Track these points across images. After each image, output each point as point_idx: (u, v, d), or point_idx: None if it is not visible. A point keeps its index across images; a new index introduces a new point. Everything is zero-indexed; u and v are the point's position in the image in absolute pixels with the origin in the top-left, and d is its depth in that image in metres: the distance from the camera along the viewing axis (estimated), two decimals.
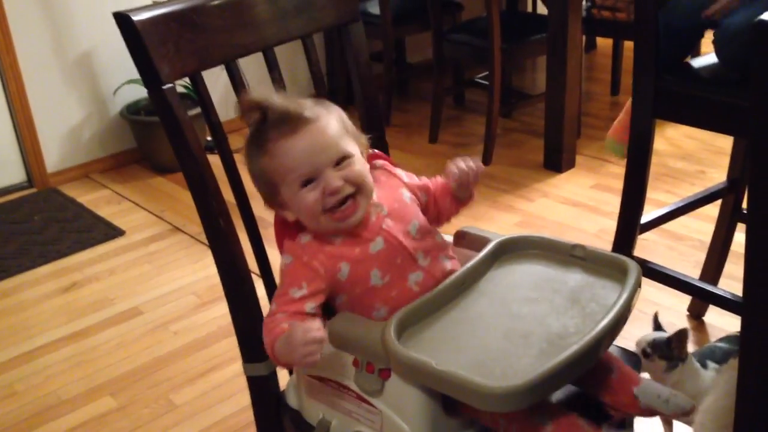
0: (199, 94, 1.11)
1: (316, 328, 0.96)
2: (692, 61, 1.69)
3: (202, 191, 1.06)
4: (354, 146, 1.06)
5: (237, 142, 1.10)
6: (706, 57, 1.68)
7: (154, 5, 1.02)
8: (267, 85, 1.09)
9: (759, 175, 0.72)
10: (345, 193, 1.03)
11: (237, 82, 1.16)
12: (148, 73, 1.00)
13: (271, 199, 1.07)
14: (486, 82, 3.21)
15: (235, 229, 1.11)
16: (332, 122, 1.04)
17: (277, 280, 1.21)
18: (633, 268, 1.06)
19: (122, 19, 0.98)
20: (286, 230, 1.09)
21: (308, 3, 1.20)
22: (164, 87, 1.01)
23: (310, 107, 1.04)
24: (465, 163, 1.12)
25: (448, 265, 1.12)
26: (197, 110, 3.21)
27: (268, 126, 1.02)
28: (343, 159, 1.03)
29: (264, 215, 1.15)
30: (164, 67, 1.00)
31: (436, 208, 1.17)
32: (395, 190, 1.13)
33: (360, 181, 1.04)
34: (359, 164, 1.05)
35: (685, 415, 1.03)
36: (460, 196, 1.15)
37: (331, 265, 1.05)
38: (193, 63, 1.06)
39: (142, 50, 0.99)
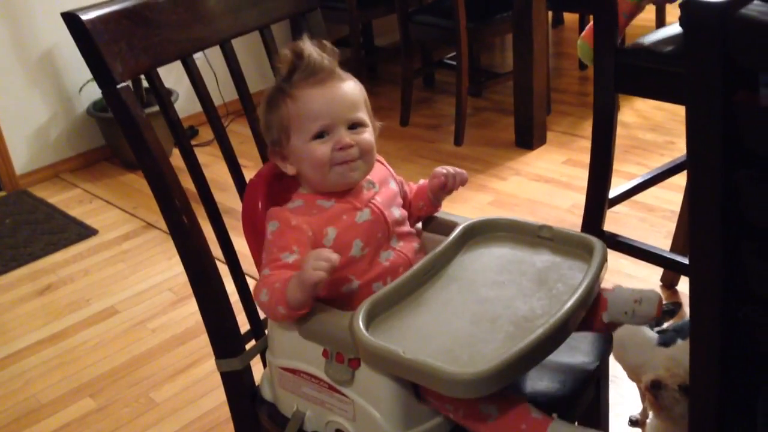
0: (156, 91, 1.10)
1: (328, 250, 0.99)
2: (657, 32, 1.69)
3: (163, 189, 1.05)
4: (368, 121, 1.11)
5: (207, 134, 1.10)
6: (671, 27, 1.68)
7: (104, 3, 1.00)
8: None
9: (694, 151, 0.74)
10: (353, 154, 1.07)
11: (195, 77, 1.14)
12: (101, 73, 0.99)
13: (277, 147, 1.10)
14: (454, 63, 3.21)
15: (199, 225, 1.10)
16: (357, 90, 1.11)
17: (245, 268, 1.21)
18: (599, 246, 1.07)
19: (71, 19, 0.96)
20: (257, 212, 1.11)
21: None
22: (118, 86, 0.99)
23: (341, 70, 1.10)
24: (453, 168, 1.19)
25: (418, 254, 1.15)
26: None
27: (299, 74, 1.07)
28: (358, 124, 1.09)
29: (233, 206, 1.15)
30: (117, 65, 0.99)
31: (408, 209, 1.21)
32: (385, 177, 1.18)
33: (368, 149, 1.09)
34: (370, 136, 1.10)
35: (656, 317, 1.03)
36: (437, 196, 1.21)
37: (318, 228, 1.07)
38: (147, 60, 1.04)
39: (93, 50, 0.97)
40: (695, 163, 0.74)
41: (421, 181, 1.24)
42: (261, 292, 1.04)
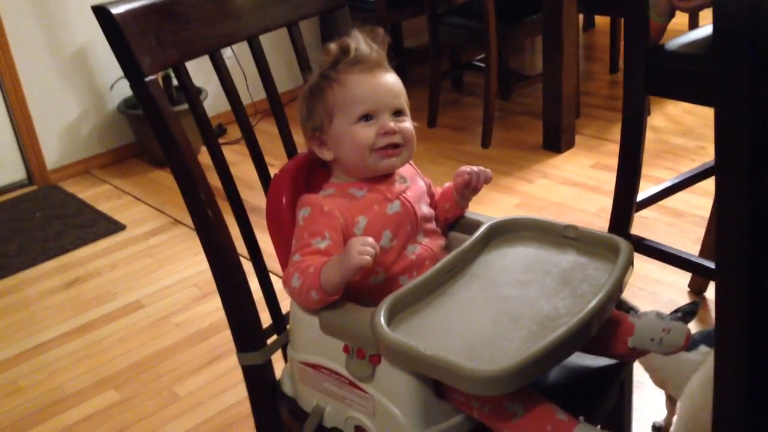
0: (183, 85, 1.10)
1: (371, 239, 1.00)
2: (689, 33, 1.67)
3: (189, 183, 1.06)
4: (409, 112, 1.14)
5: (236, 133, 1.11)
6: (704, 29, 1.66)
7: None
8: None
9: (722, 152, 0.72)
10: (396, 139, 1.09)
11: (222, 73, 1.15)
12: (130, 66, 0.99)
13: (318, 132, 1.11)
14: (483, 65, 3.19)
15: (223, 220, 1.10)
16: (400, 82, 1.13)
17: (269, 265, 1.22)
18: (624, 246, 1.06)
19: (101, 13, 0.97)
20: (281, 207, 1.11)
21: None
22: (146, 79, 1.00)
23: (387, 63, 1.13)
24: (477, 167, 1.19)
25: (444, 251, 1.15)
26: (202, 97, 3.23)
27: (347, 62, 1.09)
28: (401, 113, 1.11)
29: (259, 204, 1.15)
30: (146, 59, 1.00)
31: (435, 210, 1.21)
32: (414, 175, 1.19)
33: (410, 137, 1.11)
34: (411, 125, 1.12)
35: (683, 348, 1.02)
36: (462, 195, 1.20)
37: (350, 215, 1.08)
38: (175, 54, 1.05)
39: (123, 43, 0.98)
40: (723, 163, 0.73)
41: (447, 185, 1.23)
42: (292, 276, 1.03)
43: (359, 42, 1.10)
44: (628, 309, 1.31)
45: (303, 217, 1.08)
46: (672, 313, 1.46)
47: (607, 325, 1.05)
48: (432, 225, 1.17)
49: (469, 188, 1.19)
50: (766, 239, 0.74)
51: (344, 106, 1.08)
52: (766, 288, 0.76)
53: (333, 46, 1.10)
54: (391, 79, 1.11)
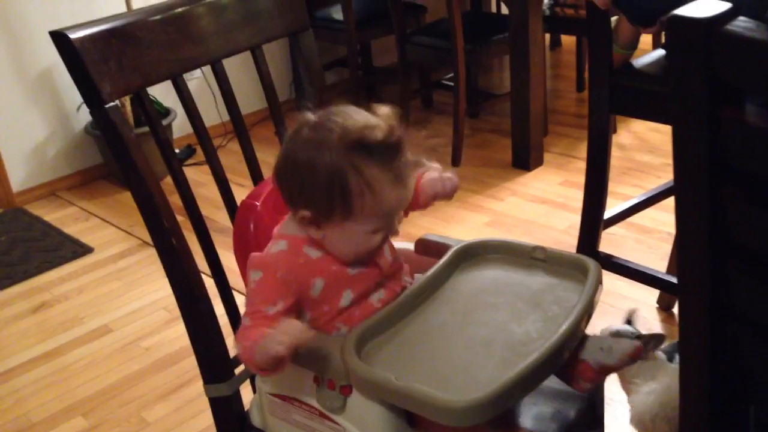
0: (145, 111, 1.09)
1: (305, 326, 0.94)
2: (651, 53, 1.69)
3: (151, 210, 1.04)
4: None
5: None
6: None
7: (94, 22, 1.00)
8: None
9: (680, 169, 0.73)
10: None
11: (185, 97, 1.14)
12: (89, 93, 0.97)
13: (320, 217, 0.98)
14: (452, 84, 3.21)
15: (188, 247, 1.09)
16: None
17: (234, 283, 1.19)
18: (593, 267, 1.06)
19: (59, 38, 0.95)
20: (249, 234, 1.08)
21: (255, 14, 1.18)
22: (107, 106, 0.98)
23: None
24: (445, 173, 1.12)
25: (408, 283, 1.11)
26: (169, 119, 3.19)
27: (372, 155, 0.95)
28: None
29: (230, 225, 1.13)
30: (106, 85, 0.98)
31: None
32: None
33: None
34: None
35: (635, 358, 1.01)
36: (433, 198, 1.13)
37: (304, 279, 1.01)
38: (137, 80, 1.03)
39: (82, 69, 0.96)
40: (682, 180, 0.73)
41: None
42: (238, 344, 0.99)
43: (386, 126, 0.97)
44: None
45: (254, 280, 1.01)
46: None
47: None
48: (395, 257, 1.09)
49: (437, 198, 1.12)
50: (723, 253, 0.74)
51: (368, 216, 0.97)
52: (725, 300, 0.77)
53: (361, 124, 0.96)
54: (410, 184, 1.00)
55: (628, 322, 1.57)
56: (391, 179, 0.96)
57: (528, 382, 0.90)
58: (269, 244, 1.05)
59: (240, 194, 1.20)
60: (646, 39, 3.73)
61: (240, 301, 1.20)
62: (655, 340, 1.44)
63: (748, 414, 0.87)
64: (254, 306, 1.00)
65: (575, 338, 0.98)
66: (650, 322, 2.07)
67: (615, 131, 3.30)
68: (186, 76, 1.11)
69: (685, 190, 0.73)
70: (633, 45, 1.60)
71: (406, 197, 0.99)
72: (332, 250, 1.02)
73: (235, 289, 1.21)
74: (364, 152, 0.95)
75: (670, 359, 1.48)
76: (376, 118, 0.98)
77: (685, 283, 0.78)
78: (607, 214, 1.79)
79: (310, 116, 1.00)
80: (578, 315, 0.97)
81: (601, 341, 1.02)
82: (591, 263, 1.06)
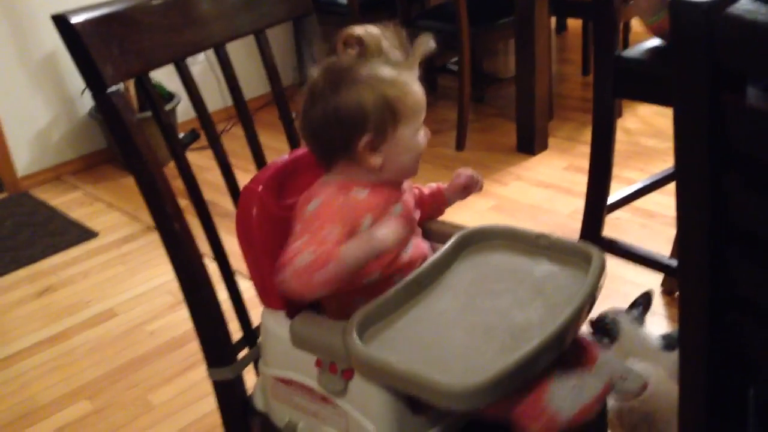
0: (148, 95, 1.08)
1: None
2: (653, 39, 1.68)
3: (154, 195, 1.04)
4: None
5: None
6: None
7: (96, 6, 0.99)
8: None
9: (681, 157, 0.73)
10: None
11: (187, 81, 1.13)
12: (91, 77, 0.97)
13: (379, 136, 1.03)
14: (456, 68, 3.19)
15: (190, 232, 1.08)
16: None
17: (237, 266, 1.19)
18: (596, 255, 1.05)
19: (61, 22, 0.94)
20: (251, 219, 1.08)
21: None
22: (108, 90, 0.98)
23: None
24: (474, 173, 1.22)
25: (427, 247, 1.16)
26: (173, 104, 3.19)
27: (389, 56, 1.04)
28: None
29: (232, 209, 1.13)
30: (108, 69, 0.97)
31: (422, 208, 1.21)
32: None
33: None
34: None
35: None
36: (455, 196, 1.22)
37: (357, 215, 1.04)
38: (139, 64, 1.02)
39: (84, 53, 0.95)
40: (683, 165, 0.73)
41: (433, 185, 1.23)
42: (303, 252, 0.97)
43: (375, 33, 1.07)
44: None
45: (314, 206, 1.03)
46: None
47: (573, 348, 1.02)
48: (418, 227, 1.16)
49: (465, 191, 1.21)
50: (723, 239, 0.74)
51: (411, 116, 1.04)
52: (725, 287, 0.77)
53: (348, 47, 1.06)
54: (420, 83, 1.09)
55: (640, 304, 1.56)
56: (413, 77, 1.05)
57: (528, 367, 0.90)
58: (324, 184, 1.08)
59: (244, 179, 1.20)
60: None
61: (243, 285, 1.20)
62: (644, 298, 1.44)
63: (747, 400, 0.87)
64: (314, 226, 1.00)
65: (577, 325, 0.98)
66: (654, 306, 2.07)
67: (620, 115, 3.28)
68: (189, 60, 1.11)
69: (686, 175, 0.73)
70: (659, 7, 1.53)
71: (422, 89, 1.06)
72: (393, 168, 1.06)
73: (238, 272, 1.21)
74: (386, 65, 1.04)
75: (670, 348, 1.48)
76: (374, 31, 1.07)
77: (686, 270, 0.78)
78: (612, 198, 1.78)
79: (317, 74, 1.06)
80: (580, 303, 0.97)
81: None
82: (595, 251, 1.06)
